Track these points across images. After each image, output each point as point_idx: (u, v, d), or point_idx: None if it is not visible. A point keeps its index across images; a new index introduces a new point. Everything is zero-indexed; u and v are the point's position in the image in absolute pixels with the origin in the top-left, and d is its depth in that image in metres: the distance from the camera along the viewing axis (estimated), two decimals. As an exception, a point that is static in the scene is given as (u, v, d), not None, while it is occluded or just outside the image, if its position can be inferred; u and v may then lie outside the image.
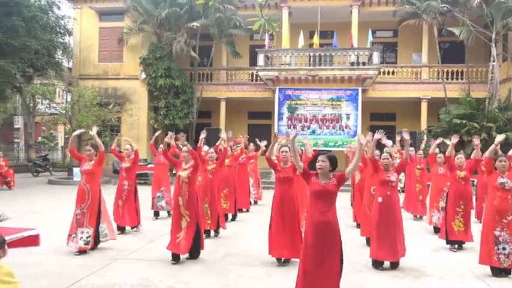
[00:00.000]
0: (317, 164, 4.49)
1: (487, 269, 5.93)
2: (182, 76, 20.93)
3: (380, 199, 6.14)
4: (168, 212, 10.01)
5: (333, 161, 4.51)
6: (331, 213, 4.42)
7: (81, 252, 6.59)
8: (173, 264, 6.17)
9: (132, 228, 8.55)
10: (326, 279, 4.34)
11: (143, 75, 20.77)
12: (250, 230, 8.90)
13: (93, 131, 7.20)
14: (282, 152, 6.43)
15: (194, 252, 6.45)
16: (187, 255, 6.40)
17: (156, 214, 10.07)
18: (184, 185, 6.31)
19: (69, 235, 6.72)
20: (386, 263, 6.13)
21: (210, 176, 8.02)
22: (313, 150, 7.63)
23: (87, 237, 6.66)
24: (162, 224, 9.19)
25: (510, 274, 5.84)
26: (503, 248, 5.76)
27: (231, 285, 5.38)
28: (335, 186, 4.44)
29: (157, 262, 6.26)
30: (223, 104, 21.79)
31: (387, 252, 6.02)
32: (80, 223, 6.69)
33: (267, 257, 6.39)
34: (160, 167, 10.19)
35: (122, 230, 8.36)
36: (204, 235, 6.89)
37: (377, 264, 6.08)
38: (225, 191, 9.47)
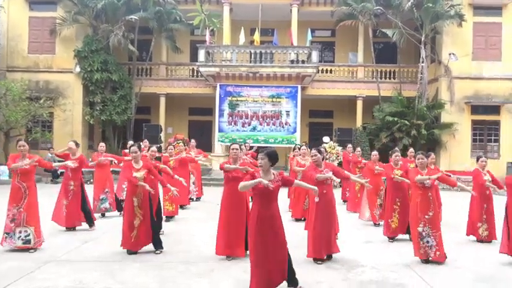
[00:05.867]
0: (257, 162, 4.65)
1: (416, 258, 6.30)
2: (120, 70, 20.23)
3: (317, 199, 6.00)
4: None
5: (271, 156, 4.62)
6: (274, 207, 4.65)
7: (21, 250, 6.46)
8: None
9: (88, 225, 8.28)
10: (275, 265, 4.57)
11: (78, 69, 19.83)
12: (191, 227, 8.82)
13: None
14: (233, 149, 6.41)
15: (158, 244, 6.63)
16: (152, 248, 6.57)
17: (102, 215, 9.66)
18: (140, 186, 6.41)
19: (5, 235, 6.53)
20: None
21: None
22: (251, 147, 7.69)
23: (25, 236, 6.54)
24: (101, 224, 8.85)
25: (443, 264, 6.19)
26: (427, 242, 6.19)
27: (170, 282, 5.30)
28: (278, 187, 4.64)
29: (93, 263, 6.03)
30: (162, 100, 21.36)
31: (325, 249, 6.12)
32: (17, 223, 6.53)
33: (209, 254, 6.40)
34: (102, 168, 9.68)
35: (72, 229, 8.11)
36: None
37: (316, 261, 6.10)
38: (169, 194, 9.00)
